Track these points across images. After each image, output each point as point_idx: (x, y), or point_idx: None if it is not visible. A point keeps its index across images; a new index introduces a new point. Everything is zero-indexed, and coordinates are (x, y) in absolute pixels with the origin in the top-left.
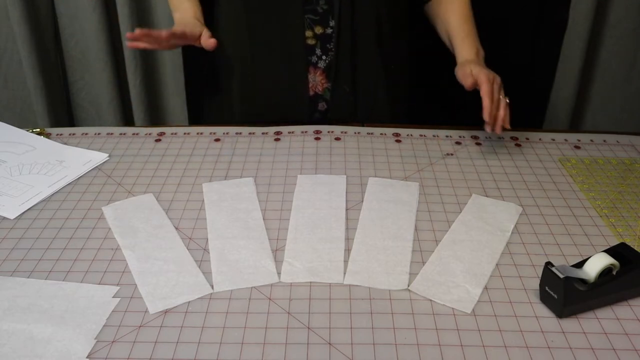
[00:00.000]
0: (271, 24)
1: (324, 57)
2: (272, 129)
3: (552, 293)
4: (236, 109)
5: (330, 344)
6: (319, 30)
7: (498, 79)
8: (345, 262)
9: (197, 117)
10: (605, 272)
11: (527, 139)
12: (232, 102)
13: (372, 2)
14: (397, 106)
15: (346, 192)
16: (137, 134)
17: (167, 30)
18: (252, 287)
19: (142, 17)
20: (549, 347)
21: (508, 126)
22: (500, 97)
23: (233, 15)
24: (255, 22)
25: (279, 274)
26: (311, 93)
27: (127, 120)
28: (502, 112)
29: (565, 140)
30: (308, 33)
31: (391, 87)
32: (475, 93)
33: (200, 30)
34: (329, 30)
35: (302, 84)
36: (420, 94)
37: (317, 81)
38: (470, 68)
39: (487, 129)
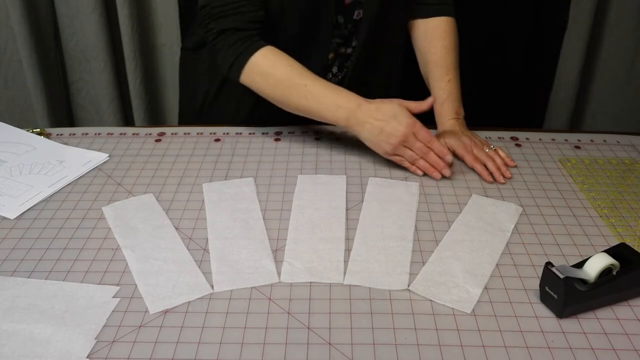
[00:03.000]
0: (299, 47)
1: (339, 75)
2: (272, 129)
3: (552, 293)
4: (242, 117)
5: (330, 344)
6: (341, 50)
7: (476, 139)
8: (345, 262)
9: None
10: (605, 272)
11: (527, 139)
12: (240, 111)
13: (392, 18)
14: None
15: (346, 192)
16: (137, 134)
17: None
18: (252, 287)
19: (142, 17)
20: (549, 347)
21: (513, 164)
22: (487, 153)
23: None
24: (284, 44)
25: (279, 274)
26: None
27: (127, 120)
28: (497, 162)
29: (565, 140)
30: (331, 55)
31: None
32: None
33: None
34: (349, 50)
35: None
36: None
37: None
38: (445, 141)
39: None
